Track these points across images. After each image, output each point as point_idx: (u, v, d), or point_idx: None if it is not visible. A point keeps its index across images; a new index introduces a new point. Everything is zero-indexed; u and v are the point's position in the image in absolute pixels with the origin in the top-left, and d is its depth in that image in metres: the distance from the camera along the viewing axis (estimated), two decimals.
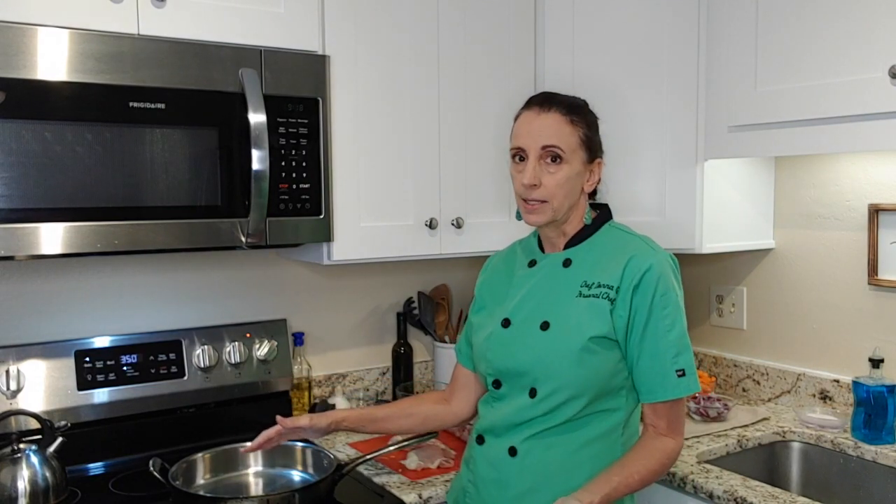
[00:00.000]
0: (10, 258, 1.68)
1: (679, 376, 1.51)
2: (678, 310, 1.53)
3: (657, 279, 1.51)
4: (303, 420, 1.71)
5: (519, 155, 1.58)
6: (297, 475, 1.88)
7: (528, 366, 1.56)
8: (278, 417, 1.71)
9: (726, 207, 2.29)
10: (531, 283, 1.63)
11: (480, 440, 1.65)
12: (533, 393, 1.56)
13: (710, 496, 1.80)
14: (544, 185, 1.55)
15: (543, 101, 1.59)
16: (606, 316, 1.52)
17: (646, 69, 2.23)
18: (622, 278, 1.52)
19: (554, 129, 1.55)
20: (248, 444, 1.74)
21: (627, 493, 1.51)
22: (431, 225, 2.17)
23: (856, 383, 2.08)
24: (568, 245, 1.62)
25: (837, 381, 2.26)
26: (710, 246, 2.23)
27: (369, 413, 1.79)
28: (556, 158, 1.54)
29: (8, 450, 1.73)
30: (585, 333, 1.52)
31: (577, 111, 1.58)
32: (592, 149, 1.59)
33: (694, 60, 2.18)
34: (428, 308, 2.52)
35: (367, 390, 2.46)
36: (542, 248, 1.68)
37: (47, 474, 1.74)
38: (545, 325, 1.56)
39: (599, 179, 1.63)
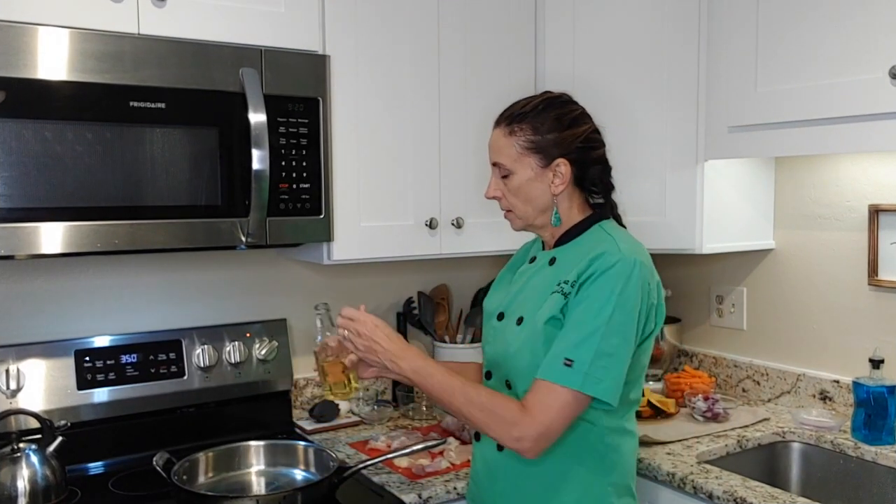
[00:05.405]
0: (11, 257, 1.68)
1: (565, 364, 1.41)
2: (612, 308, 1.42)
3: (607, 273, 1.44)
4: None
5: None
6: (299, 474, 1.88)
7: (502, 358, 1.58)
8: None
9: (726, 208, 2.29)
10: (525, 278, 1.63)
11: (477, 437, 1.66)
12: (508, 386, 1.56)
13: (710, 496, 1.80)
14: (504, 196, 1.61)
15: (498, 116, 1.62)
16: (558, 306, 1.48)
17: (646, 70, 2.23)
18: (580, 274, 1.48)
19: (495, 145, 1.61)
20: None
21: (438, 399, 1.49)
22: (431, 225, 2.16)
23: (856, 384, 2.08)
24: (557, 244, 1.62)
25: (837, 382, 2.25)
26: (710, 246, 2.23)
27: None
28: (506, 171, 1.58)
29: (7, 449, 1.72)
30: (540, 321, 1.49)
31: (518, 119, 1.56)
32: (545, 151, 1.54)
33: (694, 60, 2.18)
34: (428, 308, 2.52)
35: (367, 390, 2.45)
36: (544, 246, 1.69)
37: (47, 473, 1.73)
38: (520, 321, 1.56)
39: (585, 176, 1.57)
